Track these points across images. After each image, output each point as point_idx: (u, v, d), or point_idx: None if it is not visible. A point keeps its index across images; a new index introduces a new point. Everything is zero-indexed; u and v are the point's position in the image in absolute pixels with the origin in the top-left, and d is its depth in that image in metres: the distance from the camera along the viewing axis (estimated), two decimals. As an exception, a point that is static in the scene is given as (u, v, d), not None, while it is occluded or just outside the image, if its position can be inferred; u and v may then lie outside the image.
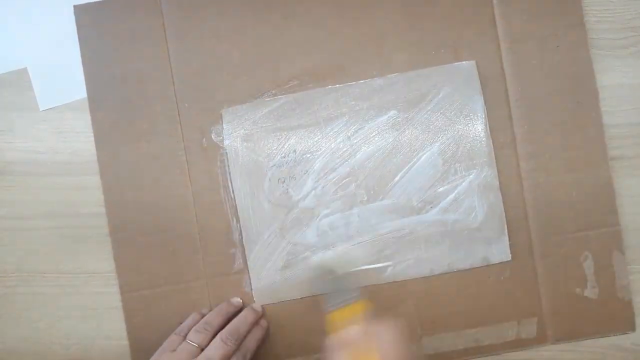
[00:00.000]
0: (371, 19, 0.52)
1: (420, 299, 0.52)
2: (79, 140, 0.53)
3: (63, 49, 0.53)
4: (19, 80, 0.53)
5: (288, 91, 0.52)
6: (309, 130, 0.52)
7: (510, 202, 0.52)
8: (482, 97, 0.51)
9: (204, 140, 0.52)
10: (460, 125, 0.52)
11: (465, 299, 0.52)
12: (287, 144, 0.52)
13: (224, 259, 0.52)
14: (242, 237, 0.52)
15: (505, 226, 0.51)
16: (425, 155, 0.52)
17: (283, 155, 0.52)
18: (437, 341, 0.52)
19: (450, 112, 0.52)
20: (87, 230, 0.53)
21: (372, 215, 0.51)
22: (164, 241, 0.52)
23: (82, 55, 0.53)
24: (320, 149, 0.52)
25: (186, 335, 0.48)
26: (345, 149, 0.52)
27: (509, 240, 0.51)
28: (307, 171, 0.52)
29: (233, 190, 0.52)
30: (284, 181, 0.51)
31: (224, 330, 0.48)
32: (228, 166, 0.52)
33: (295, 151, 0.52)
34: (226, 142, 0.52)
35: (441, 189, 0.51)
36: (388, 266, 0.51)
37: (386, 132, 0.52)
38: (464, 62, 0.52)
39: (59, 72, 0.53)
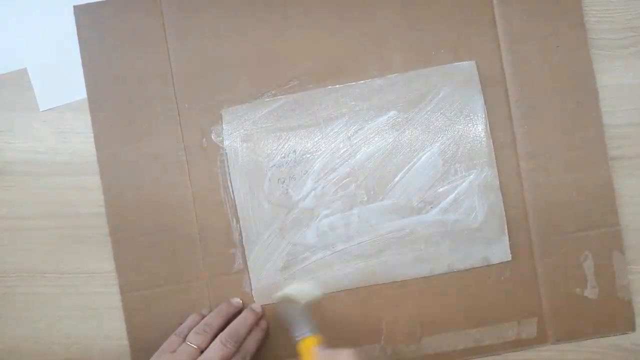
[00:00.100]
0: (371, 19, 0.52)
1: (420, 299, 0.52)
2: (79, 140, 0.53)
3: (63, 49, 0.53)
4: (19, 80, 0.53)
5: (288, 91, 0.52)
6: (309, 130, 0.52)
7: (510, 202, 0.52)
8: (482, 97, 0.51)
9: (204, 140, 0.52)
10: (460, 125, 0.52)
11: (465, 299, 0.52)
12: (287, 144, 0.52)
13: (224, 259, 0.52)
14: (242, 237, 0.52)
15: (506, 226, 0.51)
16: (425, 156, 0.52)
17: (283, 155, 0.52)
18: (437, 341, 0.52)
19: (450, 112, 0.52)
20: (87, 230, 0.53)
21: (372, 216, 0.51)
22: (164, 241, 0.52)
23: (82, 55, 0.53)
24: (320, 149, 0.52)
25: (186, 336, 0.48)
26: (345, 149, 0.52)
27: (509, 240, 0.51)
28: (307, 171, 0.52)
29: (233, 191, 0.52)
30: (284, 181, 0.51)
31: (223, 332, 0.48)
32: (228, 166, 0.52)
33: (295, 151, 0.52)
34: (226, 143, 0.52)
35: (441, 189, 0.51)
36: (388, 266, 0.51)
37: (386, 133, 0.52)
38: (464, 62, 0.52)
39: (59, 72, 0.53)
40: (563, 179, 0.52)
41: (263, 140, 0.52)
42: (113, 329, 0.53)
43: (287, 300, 0.51)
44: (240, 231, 0.52)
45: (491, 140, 0.52)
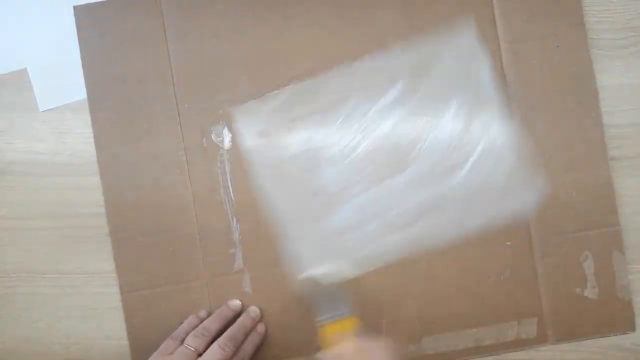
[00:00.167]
0: (371, 19, 0.52)
1: (420, 299, 0.52)
2: (79, 140, 0.53)
3: (63, 49, 0.53)
4: (19, 80, 0.53)
5: (288, 91, 0.52)
6: (322, 115, 0.51)
7: (510, 202, 0.52)
8: (486, 48, 0.51)
9: (204, 140, 0.52)
10: (470, 85, 0.51)
11: (465, 299, 0.52)
12: (303, 132, 0.51)
13: (224, 259, 0.52)
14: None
15: (534, 171, 0.50)
16: (442, 120, 0.51)
17: (299, 144, 0.51)
18: (437, 341, 0.52)
19: (458, 73, 0.51)
20: (87, 230, 0.53)
21: (397, 190, 0.51)
22: (164, 241, 0.52)
23: (82, 56, 0.53)
24: (338, 132, 0.51)
25: (183, 340, 0.48)
26: (362, 127, 0.51)
27: (509, 241, 0.51)
28: (328, 156, 0.51)
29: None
30: (306, 170, 0.51)
31: (222, 337, 0.48)
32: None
33: (313, 138, 0.51)
34: (242, 141, 0.51)
35: (462, 152, 0.51)
36: (423, 235, 0.51)
37: (398, 105, 0.51)
38: (461, 20, 0.51)
39: (59, 72, 0.53)
40: (563, 179, 0.52)
41: (279, 132, 0.51)
42: (113, 329, 0.53)
43: (311, 282, 0.50)
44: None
45: (504, 82, 0.51)
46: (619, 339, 0.52)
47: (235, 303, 0.51)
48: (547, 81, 0.52)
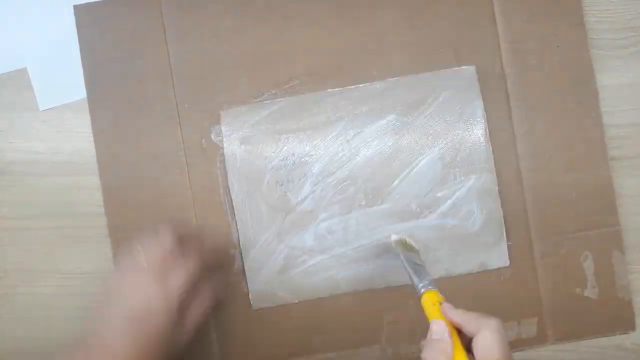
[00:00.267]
0: (371, 19, 0.52)
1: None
2: (79, 140, 0.53)
3: (63, 49, 0.53)
4: (19, 80, 0.53)
5: (288, 91, 0.52)
6: (308, 133, 0.52)
7: (510, 203, 0.52)
8: (482, 102, 0.51)
9: (204, 140, 0.52)
10: (459, 130, 0.51)
11: (465, 299, 0.51)
12: (285, 147, 0.52)
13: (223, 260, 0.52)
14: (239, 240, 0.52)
15: (504, 232, 0.51)
16: (424, 160, 0.51)
17: (281, 158, 0.52)
18: (437, 341, 0.52)
19: (450, 117, 0.51)
20: (87, 230, 0.53)
21: (370, 220, 0.51)
22: (164, 241, 0.52)
23: (82, 55, 0.53)
24: (319, 153, 0.52)
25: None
26: (344, 152, 0.52)
27: (509, 240, 0.51)
28: (305, 174, 0.51)
29: (230, 193, 0.52)
30: (282, 184, 0.51)
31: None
32: (225, 168, 0.52)
33: (293, 154, 0.52)
34: (225, 145, 0.52)
35: (440, 194, 0.51)
36: (386, 271, 0.51)
37: (385, 136, 0.52)
38: (464, 66, 0.52)
39: (59, 72, 0.53)
40: (563, 179, 0.52)
41: (262, 143, 0.52)
42: (113, 329, 0.53)
43: (404, 246, 0.49)
44: (239, 233, 0.52)
45: (490, 146, 0.51)
46: (619, 338, 0.53)
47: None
48: (547, 81, 0.52)
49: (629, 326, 0.52)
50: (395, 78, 0.52)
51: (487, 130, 0.51)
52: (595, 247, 0.52)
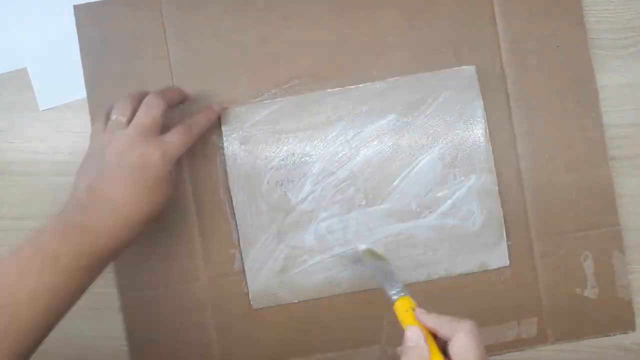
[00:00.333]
0: (371, 19, 0.52)
1: (421, 299, 0.51)
2: (79, 140, 0.53)
3: (63, 49, 0.53)
4: (18, 80, 0.53)
5: (288, 91, 0.52)
6: (308, 133, 0.52)
7: (510, 203, 0.52)
8: (482, 102, 0.51)
9: (204, 140, 0.52)
10: (459, 130, 0.51)
11: (465, 299, 0.52)
12: (285, 147, 0.52)
13: (224, 259, 0.52)
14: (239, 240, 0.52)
15: (504, 232, 0.51)
16: (424, 160, 0.51)
17: (281, 158, 0.52)
18: (437, 341, 0.52)
19: (450, 117, 0.51)
20: (87, 230, 0.53)
21: (370, 220, 0.51)
22: (164, 241, 0.52)
23: (82, 55, 0.52)
24: (319, 153, 0.52)
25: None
26: (344, 152, 0.52)
27: (509, 240, 0.51)
28: (305, 174, 0.51)
29: (230, 193, 0.52)
30: (282, 184, 0.51)
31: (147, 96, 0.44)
32: (225, 168, 0.52)
33: (293, 154, 0.52)
34: (225, 145, 0.52)
35: (440, 194, 0.51)
36: None
37: (385, 136, 0.52)
38: (464, 66, 0.52)
39: (59, 72, 0.53)
40: (563, 179, 0.52)
41: (262, 143, 0.52)
42: (113, 329, 0.53)
43: (373, 256, 0.49)
44: (239, 233, 0.52)
45: (490, 146, 0.51)
46: (618, 338, 0.53)
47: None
48: (547, 81, 0.52)
49: (629, 326, 0.52)
50: (395, 78, 0.52)
51: (487, 130, 0.51)
52: (595, 247, 0.52)
